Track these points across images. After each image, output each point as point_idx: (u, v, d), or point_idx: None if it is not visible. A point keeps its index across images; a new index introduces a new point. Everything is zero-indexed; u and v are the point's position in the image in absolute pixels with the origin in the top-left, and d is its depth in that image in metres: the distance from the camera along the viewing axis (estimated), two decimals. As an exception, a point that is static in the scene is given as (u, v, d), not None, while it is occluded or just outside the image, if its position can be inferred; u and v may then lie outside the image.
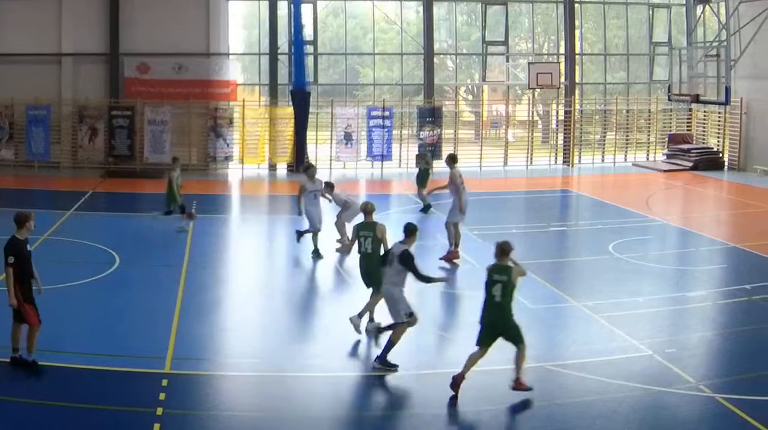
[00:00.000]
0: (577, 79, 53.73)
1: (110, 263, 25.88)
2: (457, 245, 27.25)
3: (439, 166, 38.08)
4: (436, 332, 20.38)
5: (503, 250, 16.38)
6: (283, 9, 50.04)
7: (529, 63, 51.82)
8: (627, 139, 54.66)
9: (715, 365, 18.59)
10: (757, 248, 29.02)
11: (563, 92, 53.07)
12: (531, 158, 52.49)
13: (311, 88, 48.91)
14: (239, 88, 50.56)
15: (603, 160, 53.75)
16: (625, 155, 54.17)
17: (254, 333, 20.65)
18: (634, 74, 56.73)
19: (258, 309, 22.93)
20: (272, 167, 49.14)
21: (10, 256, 16.59)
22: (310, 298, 24.17)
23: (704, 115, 54.24)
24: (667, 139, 53.87)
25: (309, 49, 50.14)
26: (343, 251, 27.76)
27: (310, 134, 49.28)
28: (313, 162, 48.61)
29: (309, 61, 49.74)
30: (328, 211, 29.16)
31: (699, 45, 50.76)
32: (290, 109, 48.53)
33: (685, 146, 52.03)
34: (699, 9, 51.46)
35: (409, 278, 17.80)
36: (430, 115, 50.16)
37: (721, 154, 51.54)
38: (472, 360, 16.35)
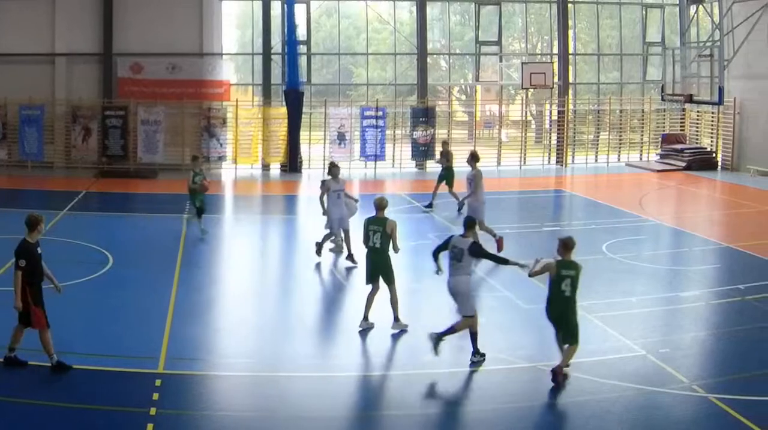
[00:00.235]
0: (571, 79, 53.76)
1: (104, 263, 25.86)
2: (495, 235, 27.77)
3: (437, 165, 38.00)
4: (431, 332, 20.38)
5: (567, 245, 17.12)
6: (276, 9, 49.96)
7: (522, 63, 51.80)
8: (620, 139, 54.70)
9: (709, 365, 18.61)
10: (750, 248, 29.06)
11: (556, 92, 53.13)
12: (524, 158, 52.50)
13: (304, 88, 48.93)
14: (233, 88, 50.46)
15: (596, 160, 53.78)
16: (619, 155, 54.20)
17: (248, 333, 20.62)
18: (628, 74, 56.72)
19: (251, 309, 22.92)
20: (265, 167, 49.10)
21: (22, 259, 16.57)
22: (303, 298, 24.09)
23: (697, 115, 54.29)
24: (660, 139, 53.91)
25: (302, 49, 50.06)
26: (337, 250, 27.78)
27: (304, 134, 49.21)
28: (306, 162, 48.92)
29: (302, 61, 49.71)
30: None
31: (692, 45, 50.82)
32: (283, 109, 48.52)
33: (679, 146, 52.09)
34: (692, 9, 51.52)
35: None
36: (424, 115, 50.16)
37: (714, 155, 51.60)
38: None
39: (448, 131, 51.55)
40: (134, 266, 26.24)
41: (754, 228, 33.79)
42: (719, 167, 50.67)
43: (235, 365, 18.06)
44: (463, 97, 64.42)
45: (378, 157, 49.48)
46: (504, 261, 18.84)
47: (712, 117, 52.30)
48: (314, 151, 49.78)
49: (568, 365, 17.02)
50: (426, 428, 15.35)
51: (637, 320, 20.77)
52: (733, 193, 42.96)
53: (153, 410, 15.15)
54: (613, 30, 57.23)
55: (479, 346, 18.03)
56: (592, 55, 57.26)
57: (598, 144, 54.48)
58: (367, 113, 49.56)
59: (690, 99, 49.04)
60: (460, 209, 34.69)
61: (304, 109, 48.67)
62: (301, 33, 49.71)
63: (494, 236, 27.86)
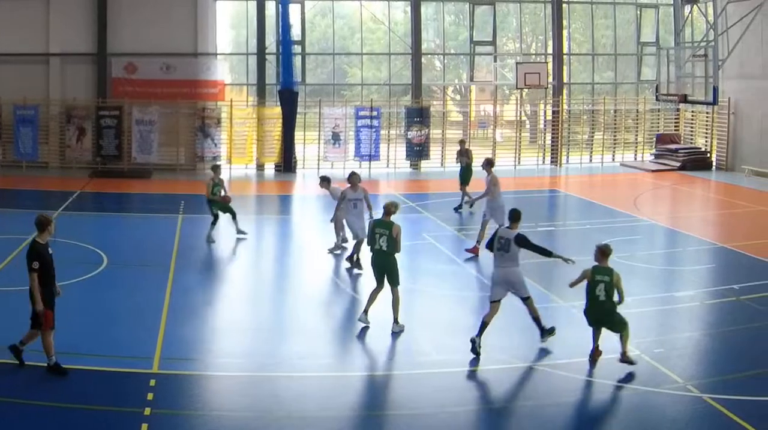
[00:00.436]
0: (565, 79, 53.79)
1: (98, 263, 25.84)
2: (479, 242, 27.79)
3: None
4: (427, 332, 20.37)
5: (604, 253, 17.90)
6: (270, 9, 49.99)
7: (516, 63, 51.84)
8: (615, 139, 54.75)
9: (703, 365, 18.61)
10: (744, 248, 29.08)
11: (551, 92, 53.15)
12: (519, 158, 52.55)
13: (299, 88, 48.91)
14: (227, 88, 50.49)
15: (591, 160, 53.86)
16: (613, 155, 54.28)
17: (242, 333, 20.59)
18: (622, 74, 56.79)
19: (246, 309, 22.93)
20: (260, 167, 49.09)
21: (35, 261, 16.52)
22: (298, 298, 24.09)
23: (692, 115, 54.35)
24: (654, 139, 53.98)
25: (297, 49, 50.11)
26: (335, 251, 27.79)
27: (298, 134, 49.27)
28: (301, 162, 48.91)
29: (297, 61, 49.74)
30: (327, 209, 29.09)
31: (687, 45, 50.79)
32: (278, 109, 48.52)
33: (673, 146, 52.15)
34: (687, 9, 51.49)
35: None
36: (418, 115, 50.19)
37: (708, 154, 51.69)
38: (598, 335, 18.06)
39: (443, 131, 51.59)
40: (129, 266, 26.24)
41: (749, 228, 33.84)
42: (714, 167, 50.76)
43: (230, 365, 18.06)
44: (458, 97, 64.35)
45: (372, 157, 49.50)
46: (548, 253, 19.38)
47: (707, 117, 52.38)
48: (309, 151, 49.80)
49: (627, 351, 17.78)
50: (421, 428, 15.33)
51: (631, 320, 20.65)
52: (728, 193, 43.00)
53: (147, 410, 15.13)
54: (607, 30, 57.26)
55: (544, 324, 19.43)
56: (586, 55, 57.22)
57: (592, 144, 54.56)
58: (362, 113, 49.59)
59: (684, 99, 48.97)
60: (460, 208, 34.80)
61: (299, 109, 48.73)
62: (295, 33, 49.77)
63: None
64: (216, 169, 30.86)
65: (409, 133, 50.03)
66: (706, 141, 52.78)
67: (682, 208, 39.35)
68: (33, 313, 16.68)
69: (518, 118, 54.35)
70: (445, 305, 22.88)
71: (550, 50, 54.11)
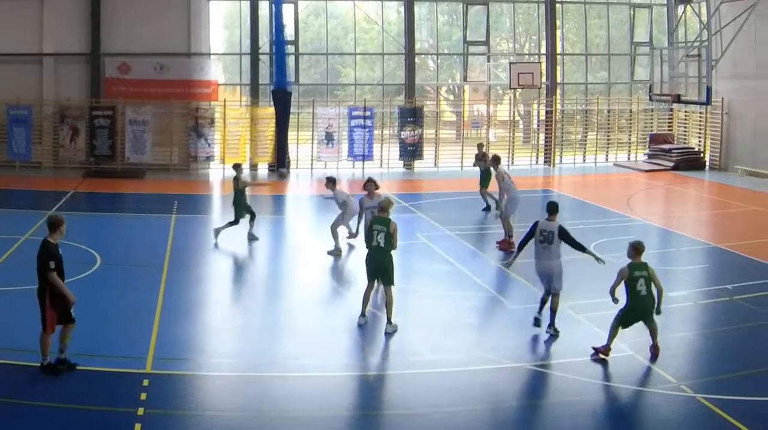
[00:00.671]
0: (559, 79, 53.83)
1: (91, 263, 25.80)
2: (510, 236, 28.61)
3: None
4: (421, 332, 20.37)
5: (637, 249, 18.39)
6: (264, 9, 49.97)
7: (510, 63, 51.78)
8: (608, 139, 54.79)
9: (697, 365, 18.64)
10: (738, 248, 29.11)
11: (544, 92, 53.23)
12: (512, 158, 52.52)
13: (292, 88, 48.87)
14: (220, 88, 50.51)
15: (584, 160, 53.89)
16: (606, 155, 54.33)
17: (236, 333, 20.61)
18: (616, 74, 56.82)
19: (239, 309, 22.95)
20: (253, 167, 49.04)
21: (51, 261, 16.49)
22: (291, 298, 24.08)
23: (685, 115, 54.40)
24: (648, 139, 54.01)
25: (290, 49, 50.08)
26: (335, 254, 27.77)
27: (291, 134, 49.24)
28: (294, 162, 48.87)
29: (290, 61, 49.67)
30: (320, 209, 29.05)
31: (680, 45, 50.85)
32: (271, 109, 48.49)
33: (666, 146, 52.18)
34: (680, 9, 51.52)
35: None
36: (411, 115, 50.18)
37: (702, 154, 51.72)
38: (616, 334, 18.35)
39: (436, 131, 51.63)
40: (122, 265, 26.22)
41: (742, 228, 33.87)
42: (707, 167, 50.81)
43: (223, 365, 18.05)
44: (451, 97, 64.41)
45: (366, 157, 49.48)
46: (583, 249, 20.09)
47: (700, 117, 52.42)
48: (302, 151, 49.78)
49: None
50: (414, 428, 15.32)
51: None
52: (721, 193, 43.03)
53: (141, 410, 15.11)
54: (600, 30, 57.30)
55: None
56: (579, 55, 57.28)
57: (585, 144, 54.57)
58: (355, 113, 49.59)
59: (678, 99, 49.06)
60: (488, 208, 35.02)
61: (292, 109, 48.68)
62: (288, 33, 49.73)
63: (509, 235, 28.77)
64: (236, 167, 31.03)
65: (402, 133, 50.02)
66: (699, 141, 52.81)
67: (676, 208, 39.34)
68: (64, 310, 16.77)
69: (511, 118, 54.39)
70: (438, 305, 22.87)
71: (543, 50, 54.13)
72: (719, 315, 21.92)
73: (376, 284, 20.67)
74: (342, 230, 28.37)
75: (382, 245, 20.18)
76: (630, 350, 18.55)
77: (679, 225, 33.92)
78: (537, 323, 20.01)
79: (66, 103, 47.52)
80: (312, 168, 48.44)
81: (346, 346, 19.65)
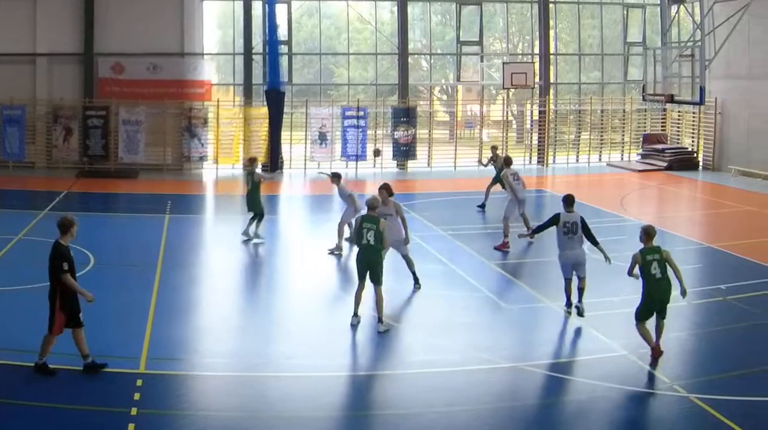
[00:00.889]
0: (552, 79, 53.89)
1: (85, 263, 25.71)
2: (506, 236, 29.02)
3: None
4: (415, 332, 20.39)
5: (648, 233, 18.74)
6: (257, 9, 49.87)
7: (503, 63, 51.79)
8: (601, 139, 54.81)
9: (690, 365, 18.64)
10: (731, 248, 29.14)
11: (538, 92, 53.26)
12: (505, 158, 52.50)
13: (286, 88, 48.85)
14: (214, 88, 50.42)
15: (577, 160, 53.90)
16: (600, 155, 54.32)
17: (229, 333, 20.58)
18: (609, 74, 56.85)
19: (233, 309, 22.91)
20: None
21: (64, 262, 16.48)
22: (285, 298, 24.09)
23: (679, 115, 54.42)
24: (641, 139, 54.04)
25: (283, 49, 50.03)
26: (336, 252, 27.79)
27: (285, 134, 49.17)
28: (287, 162, 48.84)
29: (283, 61, 49.65)
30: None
31: (673, 45, 50.91)
32: (265, 109, 48.42)
33: (660, 146, 52.23)
34: (673, 9, 51.61)
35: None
36: (405, 115, 50.17)
37: (695, 155, 51.77)
38: (647, 333, 18.14)
39: (430, 131, 51.65)
40: (115, 265, 26.18)
41: (736, 228, 33.91)
42: (700, 167, 50.85)
43: (217, 365, 18.03)
44: (445, 97, 64.46)
45: (359, 157, 49.44)
46: (597, 243, 21.18)
47: (693, 117, 52.46)
48: (295, 151, 49.74)
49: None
50: (407, 428, 15.31)
51: (618, 321, 20.71)
52: (714, 193, 43.07)
53: (134, 411, 15.10)
54: (594, 30, 57.35)
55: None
56: (573, 55, 57.34)
57: (579, 144, 54.61)
58: (348, 113, 49.57)
59: (671, 99, 49.14)
60: (484, 206, 35.32)
61: (286, 109, 48.60)
62: (282, 33, 49.65)
63: (506, 236, 29.03)
64: (251, 161, 31.25)
65: (395, 133, 50.03)
66: (692, 141, 52.85)
67: (669, 208, 39.37)
68: (73, 312, 16.81)
69: (505, 118, 54.32)
70: (433, 305, 22.87)
71: (536, 50, 54.17)
72: (712, 315, 21.93)
73: (366, 283, 20.67)
74: (346, 231, 28.42)
75: (372, 242, 20.19)
76: (623, 350, 18.56)
77: (672, 225, 33.91)
78: (580, 312, 20.78)
79: (59, 103, 47.47)
80: (305, 168, 48.42)
81: (341, 346, 19.64)
